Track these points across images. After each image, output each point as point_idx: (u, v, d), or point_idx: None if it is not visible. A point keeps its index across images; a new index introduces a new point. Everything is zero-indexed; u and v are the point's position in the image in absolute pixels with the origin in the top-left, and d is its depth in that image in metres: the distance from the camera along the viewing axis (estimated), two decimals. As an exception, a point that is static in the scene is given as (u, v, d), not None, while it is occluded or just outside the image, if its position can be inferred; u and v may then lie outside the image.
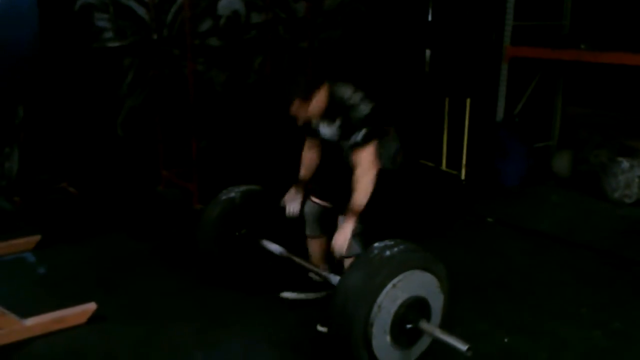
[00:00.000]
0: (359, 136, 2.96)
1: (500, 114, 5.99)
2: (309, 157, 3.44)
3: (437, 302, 2.84)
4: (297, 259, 3.37)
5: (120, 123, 5.78)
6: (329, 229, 3.29)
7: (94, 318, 3.22)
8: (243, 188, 3.68)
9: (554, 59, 5.55)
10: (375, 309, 2.58)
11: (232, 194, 3.63)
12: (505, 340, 3.16)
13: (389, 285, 2.61)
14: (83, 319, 3.20)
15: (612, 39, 5.25)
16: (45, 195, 5.17)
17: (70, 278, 3.78)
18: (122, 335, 3.16)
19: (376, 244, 2.78)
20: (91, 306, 3.24)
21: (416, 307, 2.71)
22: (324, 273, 3.24)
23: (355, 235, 3.07)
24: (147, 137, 5.77)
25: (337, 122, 3.05)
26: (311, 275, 3.48)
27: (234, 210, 3.56)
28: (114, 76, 5.66)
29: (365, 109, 3.00)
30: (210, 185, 5.30)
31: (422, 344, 2.85)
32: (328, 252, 3.21)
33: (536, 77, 6.09)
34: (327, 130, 3.14)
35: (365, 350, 2.62)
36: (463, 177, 5.97)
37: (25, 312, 3.11)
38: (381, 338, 2.64)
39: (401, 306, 2.65)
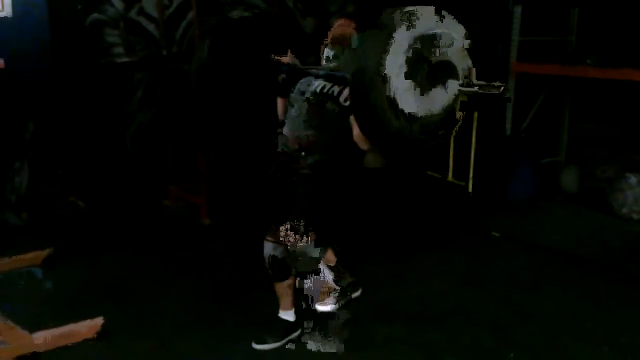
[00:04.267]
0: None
1: (507, 129, 6.00)
2: None
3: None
4: None
5: (130, 138, 5.83)
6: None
7: (101, 332, 3.23)
8: None
9: (560, 75, 5.57)
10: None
11: None
12: (511, 355, 3.16)
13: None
14: (91, 334, 3.21)
15: (619, 55, 5.25)
16: (53, 209, 5.21)
17: (78, 292, 3.80)
18: (130, 349, 3.18)
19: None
20: (99, 321, 3.25)
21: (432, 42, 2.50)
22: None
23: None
24: (155, 152, 5.81)
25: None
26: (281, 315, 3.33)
27: None
28: (123, 91, 5.72)
29: None
30: (218, 200, 5.36)
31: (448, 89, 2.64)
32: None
33: (543, 93, 6.10)
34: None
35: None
36: (470, 189, 5.96)
37: (33, 327, 3.12)
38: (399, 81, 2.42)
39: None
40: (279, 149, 3.11)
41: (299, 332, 3.29)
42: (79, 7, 5.39)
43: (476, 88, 2.63)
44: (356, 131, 2.85)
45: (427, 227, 5.09)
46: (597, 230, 5.07)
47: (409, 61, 2.42)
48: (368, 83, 2.39)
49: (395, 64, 2.38)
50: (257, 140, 3.42)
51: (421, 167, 6.56)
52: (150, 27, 5.76)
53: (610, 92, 5.64)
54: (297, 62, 3.24)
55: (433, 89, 2.54)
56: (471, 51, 2.70)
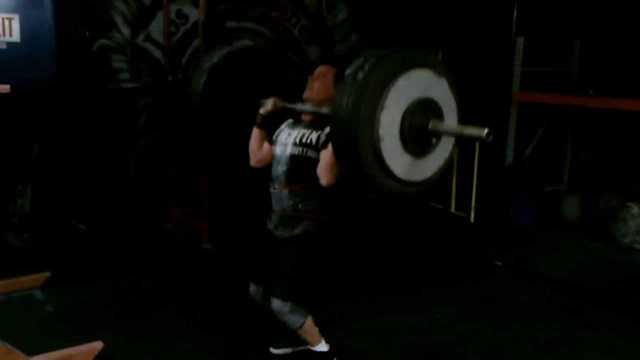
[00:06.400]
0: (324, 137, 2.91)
1: (509, 157, 6.02)
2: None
3: (448, 103, 2.62)
4: None
5: (133, 162, 5.87)
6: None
7: (100, 357, 3.21)
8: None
9: (562, 104, 5.61)
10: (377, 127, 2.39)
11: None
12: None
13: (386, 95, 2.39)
14: (90, 358, 3.19)
15: (620, 86, 5.30)
16: (55, 232, 5.22)
17: (78, 316, 3.79)
18: (128, 374, 3.16)
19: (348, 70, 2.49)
20: (98, 345, 3.24)
21: (424, 109, 2.51)
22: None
23: (293, 310, 3.01)
24: (158, 176, 5.83)
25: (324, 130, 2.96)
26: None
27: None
28: (128, 116, 5.77)
29: None
30: (220, 225, 5.36)
31: (440, 151, 2.65)
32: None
33: (545, 122, 6.14)
34: (295, 134, 3.06)
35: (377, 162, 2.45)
36: (472, 220, 5.97)
37: (32, 350, 3.10)
38: (392, 145, 2.45)
39: (406, 112, 2.45)
40: (277, 208, 3.07)
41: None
42: (87, 33, 5.48)
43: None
44: (324, 164, 2.84)
45: (430, 257, 5.08)
46: (599, 260, 5.05)
47: (403, 125, 2.45)
48: (357, 140, 2.38)
49: (390, 124, 2.41)
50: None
51: (423, 199, 6.58)
52: (157, 53, 5.83)
53: (612, 121, 5.68)
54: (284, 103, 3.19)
55: (426, 156, 2.59)
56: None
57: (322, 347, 3.18)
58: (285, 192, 3.01)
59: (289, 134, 3.07)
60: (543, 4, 6.09)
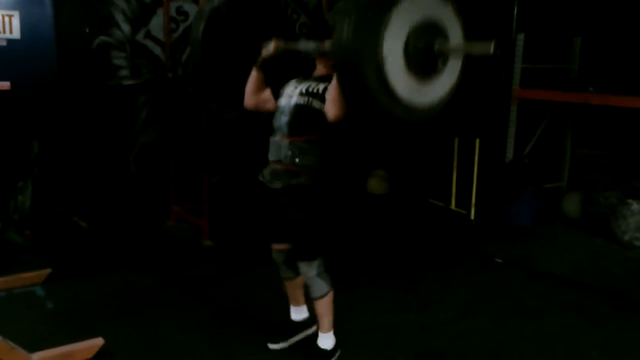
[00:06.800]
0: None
1: (509, 154, 6.02)
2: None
3: (453, 28, 2.56)
4: None
5: (133, 159, 5.86)
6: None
7: (101, 353, 3.22)
8: None
9: (562, 101, 5.61)
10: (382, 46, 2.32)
11: None
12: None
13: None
14: (90, 354, 3.20)
15: (620, 83, 5.30)
16: (56, 229, 5.22)
17: (79, 312, 3.79)
18: (129, 371, 3.16)
19: None
20: (99, 341, 3.24)
21: (430, 30, 2.45)
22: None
23: (320, 273, 3.04)
24: (159, 173, 5.83)
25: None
26: (292, 316, 3.42)
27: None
28: (128, 113, 5.77)
29: None
30: (221, 222, 5.36)
31: (446, 77, 2.59)
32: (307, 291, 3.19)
33: (545, 119, 6.14)
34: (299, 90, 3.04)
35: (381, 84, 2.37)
36: (472, 217, 5.97)
37: (33, 347, 3.11)
38: (396, 66, 2.38)
39: (410, 32, 2.39)
40: (273, 158, 3.02)
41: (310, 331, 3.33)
42: (87, 30, 5.47)
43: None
44: (330, 95, 2.79)
45: (430, 254, 5.08)
46: (600, 257, 5.06)
47: (408, 45, 2.38)
48: (363, 62, 2.32)
49: (394, 45, 2.33)
50: (259, 162, 3.36)
51: (424, 195, 6.58)
52: (157, 50, 5.83)
53: (613, 118, 5.67)
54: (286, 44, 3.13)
55: (431, 80, 2.51)
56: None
57: (329, 339, 3.18)
58: (285, 142, 2.96)
59: (296, 87, 3.05)
60: (543, 1, 6.08)
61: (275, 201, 3.06)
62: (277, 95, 3.15)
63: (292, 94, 3.03)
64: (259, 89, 3.19)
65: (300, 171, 2.95)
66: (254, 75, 3.18)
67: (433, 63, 2.51)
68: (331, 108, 2.81)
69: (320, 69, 3.09)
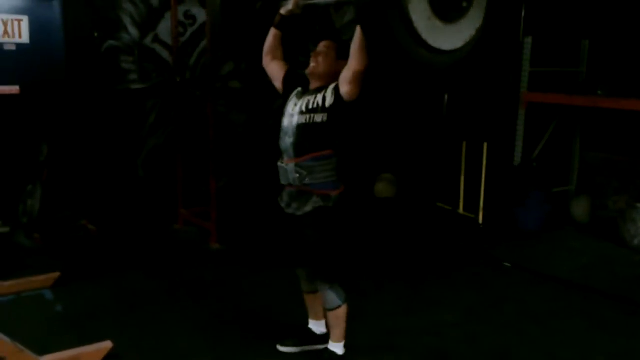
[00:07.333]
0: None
1: (517, 158, 6.01)
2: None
3: None
4: None
5: (141, 162, 5.89)
6: None
7: (109, 357, 3.23)
8: None
9: (570, 104, 5.59)
10: None
11: None
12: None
13: None
14: (99, 358, 3.21)
15: (629, 86, 5.28)
16: (65, 232, 5.25)
17: (87, 316, 3.81)
18: (137, 374, 3.17)
19: None
20: (107, 344, 3.25)
21: None
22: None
23: (334, 287, 3.06)
24: (167, 176, 5.86)
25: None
26: (311, 327, 3.42)
27: None
28: (136, 117, 5.80)
29: None
30: (229, 225, 5.38)
31: (470, 19, 2.53)
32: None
33: (554, 123, 6.11)
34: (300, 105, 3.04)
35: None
36: (480, 220, 5.96)
37: (42, 350, 3.13)
38: (420, 7, 2.34)
39: None
40: (284, 182, 3.05)
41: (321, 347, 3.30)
42: (95, 34, 5.50)
43: None
44: (353, 46, 2.74)
45: (438, 258, 5.07)
46: (609, 261, 5.03)
47: None
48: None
49: None
50: (267, 167, 3.36)
51: (432, 199, 6.57)
52: (165, 54, 5.86)
53: (621, 122, 5.65)
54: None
55: (456, 22, 2.47)
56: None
57: (338, 347, 3.18)
58: (291, 165, 2.97)
59: (296, 104, 3.05)
60: (551, 4, 6.06)
61: (292, 225, 3.09)
62: (280, 92, 3.19)
63: (293, 112, 3.04)
64: (276, 47, 3.20)
65: (313, 191, 2.97)
66: (272, 33, 3.19)
67: (457, 2, 2.47)
68: (353, 62, 2.75)
69: (314, 83, 3.09)
